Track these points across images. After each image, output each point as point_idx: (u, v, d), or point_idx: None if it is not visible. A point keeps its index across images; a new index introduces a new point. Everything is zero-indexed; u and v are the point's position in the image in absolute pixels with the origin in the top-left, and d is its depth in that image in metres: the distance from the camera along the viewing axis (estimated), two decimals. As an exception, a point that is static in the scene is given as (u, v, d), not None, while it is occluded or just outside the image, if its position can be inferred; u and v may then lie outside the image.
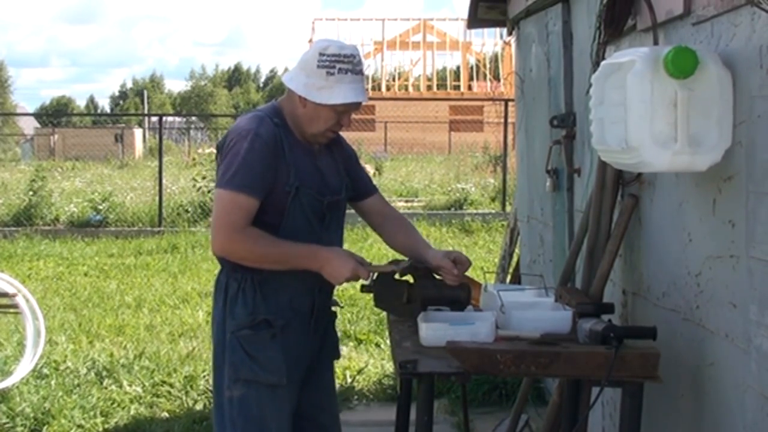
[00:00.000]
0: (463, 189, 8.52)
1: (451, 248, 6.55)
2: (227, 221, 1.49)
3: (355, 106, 1.57)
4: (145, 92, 39.30)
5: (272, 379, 1.54)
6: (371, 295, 1.67)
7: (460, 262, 1.62)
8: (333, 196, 1.62)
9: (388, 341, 1.76)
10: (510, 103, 7.61)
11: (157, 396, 3.03)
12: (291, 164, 1.54)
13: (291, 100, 1.58)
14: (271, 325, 1.55)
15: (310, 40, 18.01)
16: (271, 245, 1.52)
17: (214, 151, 1.69)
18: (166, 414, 2.89)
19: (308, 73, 1.54)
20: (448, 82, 18.60)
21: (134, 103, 42.50)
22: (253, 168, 1.50)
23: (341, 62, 1.53)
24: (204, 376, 3.11)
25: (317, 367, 1.65)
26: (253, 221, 1.52)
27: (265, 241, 1.51)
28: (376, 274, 1.64)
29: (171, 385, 3.10)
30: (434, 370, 1.41)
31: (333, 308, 1.69)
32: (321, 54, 1.53)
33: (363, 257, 1.58)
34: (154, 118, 21.81)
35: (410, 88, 18.53)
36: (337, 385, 3.14)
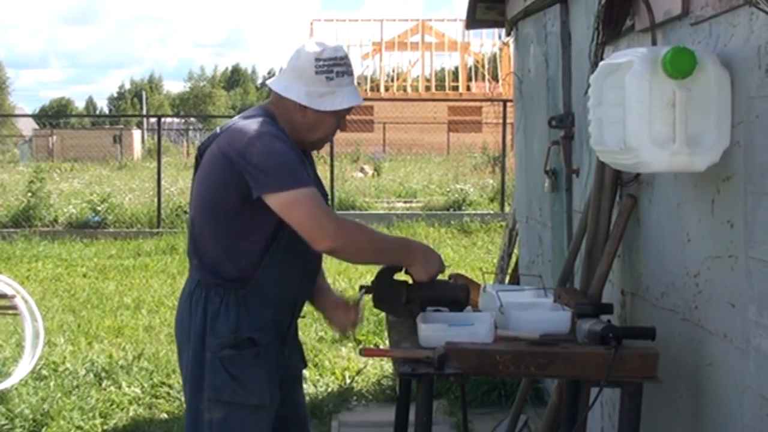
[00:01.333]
0: (461, 190, 8.52)
1: (449, 249, 6.54)
2: (324, 213, 1.42)
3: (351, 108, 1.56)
4: (144, 93, 39.23)
5: (255, 400, 1.48)
6: (370, 295, 1.67)
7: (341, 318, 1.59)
8: (329, 202, 1.61)
9: (387, 342, 1.75)
10: (508, 104, 7.63)
11: (156, 397, 3.03)
12: (305, 163, 1.51)
13: (284, 109, 1.51)
14: (255, 343, 1.48)
15: (309, 41, 17.92)
16: (373, 232, 1.50)
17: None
18: (165, 415, 2.89)
19: (307, 81, 1.49)
20: (447, 83, 18.62)
21: (132, 103, 42.41)
22: (299, 162, 1.46)
23: (338, 65, 1.50)
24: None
25: (288, 380, 1.60)
26: (262, 230, 1.45)
27: (365, 227, 1.51)
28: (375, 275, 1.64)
29: (170, 386, 3.09)
30: (433, 370, 1.41)
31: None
32: (317, 59, 1.48)
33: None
34: (153, 120, 21.79)
35: (409, 89, 18.54)
36: (336, 386, 3.16)
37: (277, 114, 1.53)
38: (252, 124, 1.47)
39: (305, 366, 1.70)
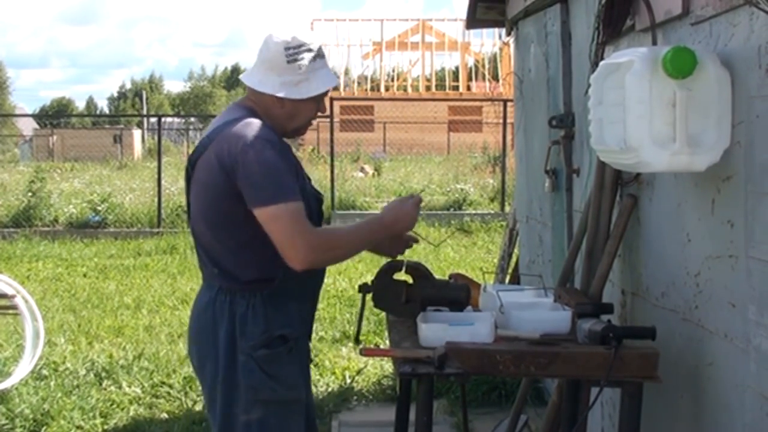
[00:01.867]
0: (462, 189, 8.52)
1: (450, 249, 6.54)
2: (297, 230, 1.40)
3: (329, 91, 1.55)
4: (144, 93, 39.19)
5: (292, 396, 1.49)
6: (370, 295, 1.67)
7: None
8: (321, 195, 1.62)
9: (387, 342, 1.75)
10: (509, 104, 7.62)
11: (157, 397, 3.02)
12: (295, 165, 1.49)
13: (262, 103, 1.50)
14: (286, 339, 1.49)
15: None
16: (347, 235, 1.49)
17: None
18: (165, 415, 2.89)
19: (280, 71, 1.47)
20: (447, 83, 18.61)
21: (133, 103, 42.35)
22: (287, 172, 1.44)
23: (309, 50, 1.48)
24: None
25: None
26: (259, 229, 1.43)
27: (338, 234, 1.50)
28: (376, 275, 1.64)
29: (170, 386, 3.09)
30: (433, 370, 1.41)
31: None
32: (287, 48, 1.47)
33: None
34: (153, 119, 21.79)
35: (409, 89, 18.53)
36: (337, 386, 3.16)
37: (258, 109, 1.51)
38: (245, 130, 1.45)
39: (310, 360, 1.71)
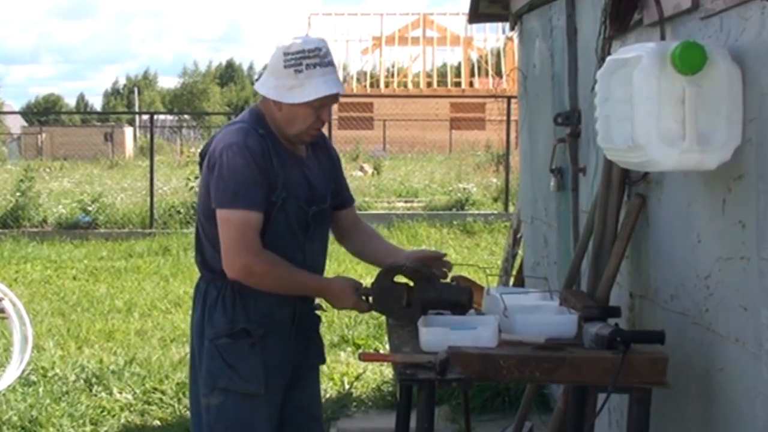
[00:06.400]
0: (464, 189, 8.48)
1: (452, 250, 6.49)
2: (243, 243, 1.50)
3: (332, 99, 1.57)
4: (136, 89, 38.96)
5: (249, 388, 1.55)
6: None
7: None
8: (319, 206, 1.63)
9: (387, 346, 1.72)
10: (513, 100, 7.60)
11: (149, 403, 2.98)
12: (280, 174, 1.55)
13: (267, 106, 1.59)
14: (250, 334, 1.56)
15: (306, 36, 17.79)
16: (288, 274, 1.54)
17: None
18: (157, 422, 2.85)
19: (277, 75, 1.54)
20: (449, 79, 18.43)
21: (129, 99, 42.13)
22: (253, 182, 1.51)
23: (307, 57, 1.52)
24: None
25: (301, 372, 1.66)
26: None
27: (282, 268, 1.54)
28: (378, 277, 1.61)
29: (163, 392, 3.05)
30: (434, 376, 1.37)
31: (317, 312, 1.70)
32: (285, 54, 1.53)
33: (361, 284, 1.60)
34: (145, 117, 21.66)
35: (410, 85, 18.35)
36: (335, 392, 3.11)
37: (265, 112, 1.60)
38: (229, 134, 1.56)
39: (323, 362, 1.75)
